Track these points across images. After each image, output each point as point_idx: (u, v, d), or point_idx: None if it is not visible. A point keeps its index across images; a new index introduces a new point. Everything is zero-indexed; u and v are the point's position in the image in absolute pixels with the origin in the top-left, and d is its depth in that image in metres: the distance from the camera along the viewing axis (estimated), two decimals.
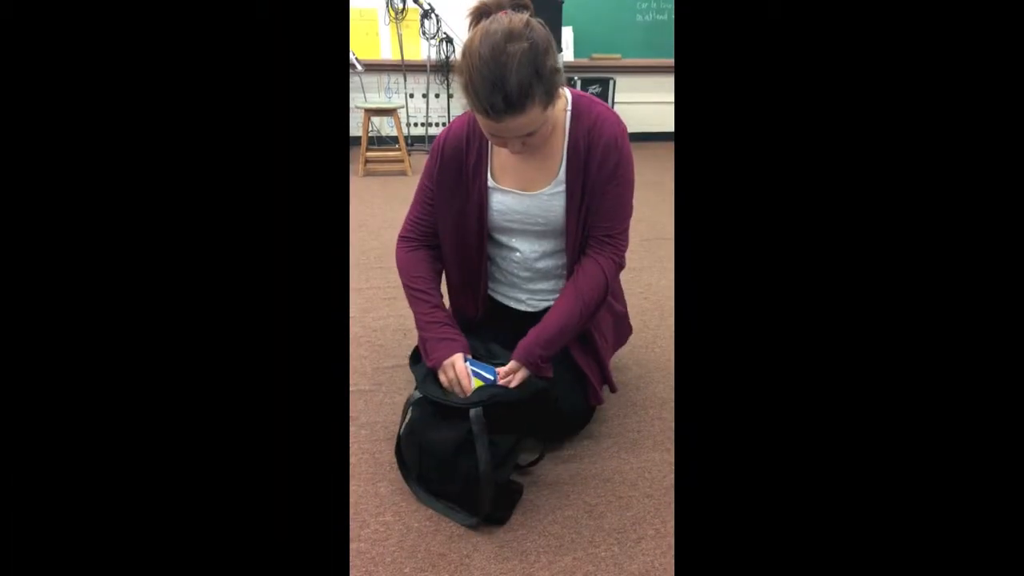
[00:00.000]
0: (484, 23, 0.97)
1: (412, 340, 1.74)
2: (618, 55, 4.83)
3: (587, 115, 1.14)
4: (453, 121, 1.24)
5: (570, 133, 1.15)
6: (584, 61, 4.78)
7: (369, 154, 3.93)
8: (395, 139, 3.91)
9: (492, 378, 1.12)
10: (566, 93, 1.17)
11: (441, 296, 1.26)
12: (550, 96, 0.98)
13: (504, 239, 1.27)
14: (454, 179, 1.22)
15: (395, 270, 1.30)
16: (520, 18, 0.96)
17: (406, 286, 1.26)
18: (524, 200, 1.19)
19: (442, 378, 1.15)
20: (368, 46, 4.58)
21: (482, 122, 0.99)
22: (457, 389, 1.12)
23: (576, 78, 4.55)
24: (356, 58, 4.30)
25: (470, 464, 1.05)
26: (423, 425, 1.13)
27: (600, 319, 1.33)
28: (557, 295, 1.25)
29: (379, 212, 3.08)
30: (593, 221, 1.17)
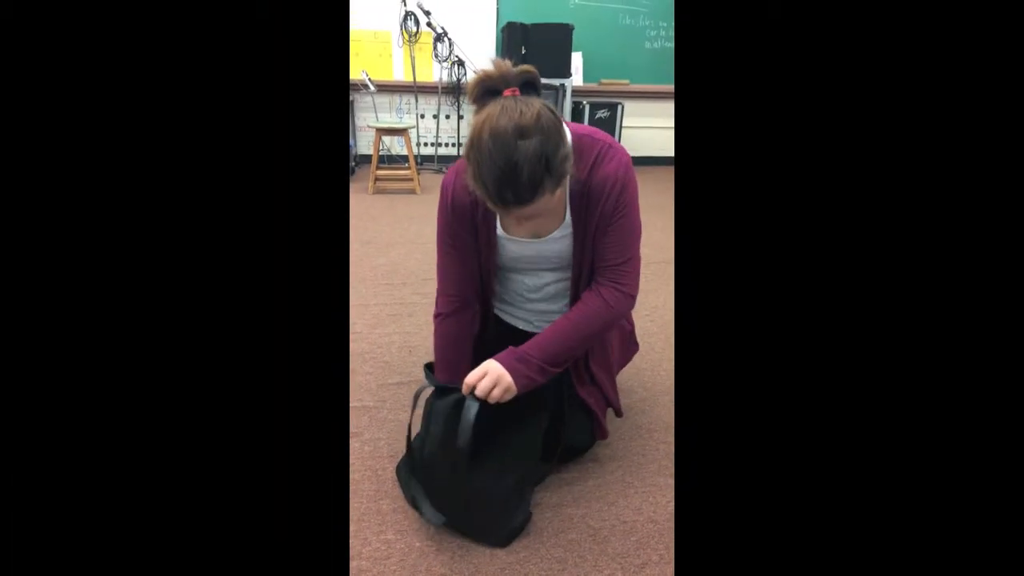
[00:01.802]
0: (491, 110, 0.92)
1: (417, 357, 1.75)
2: (626, 80, 4.90)
3: (588, 153, 1.12)
4: (459, 169, 1.17)
5: (571, 180, 1.13)
6: (593, 86, 4.84)
7: (379, 172, 3.97)
8: (405, 158, 3.96)
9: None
10: (566, 131, 1.15)
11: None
12: (559, 183, 0.96)
13: (512, 275, 1.27)
14: (463, 225, 1.21)
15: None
16: (531, 110, 0.91)
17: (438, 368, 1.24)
18: (535, 246, 1.19)
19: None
20: (381, 67, 4.66)
21: (492, 208, 0.98)
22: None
23: (585, 103, 4.61)
24: (369, 78, 4.38)
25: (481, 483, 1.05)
26: (436, 423, 1.12)
27: (607, 338, 1.33)
28: None
29: (387, 229, 3.10)
30: (599, 255, 1.16)
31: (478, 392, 1.05)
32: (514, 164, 0.89)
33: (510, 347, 1.10)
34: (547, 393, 1.21)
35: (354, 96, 4.66)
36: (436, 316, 1.27)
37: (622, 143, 4.88)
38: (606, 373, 1.32)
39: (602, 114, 4.64)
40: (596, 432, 1.29)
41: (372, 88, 4.41)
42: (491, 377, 1.06)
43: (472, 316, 1.26)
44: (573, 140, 1.13)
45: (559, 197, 1.03)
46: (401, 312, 2.05)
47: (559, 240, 1.17)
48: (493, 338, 1.35)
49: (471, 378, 1.07)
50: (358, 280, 2.33)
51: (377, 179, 3.97)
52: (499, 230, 1.19)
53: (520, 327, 1.36)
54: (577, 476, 1.28)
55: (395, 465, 1.26)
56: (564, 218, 1.16)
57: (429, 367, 1.26)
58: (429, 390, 1.19)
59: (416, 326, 1.97)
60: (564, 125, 0.98)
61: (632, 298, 1.18)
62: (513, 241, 1.19)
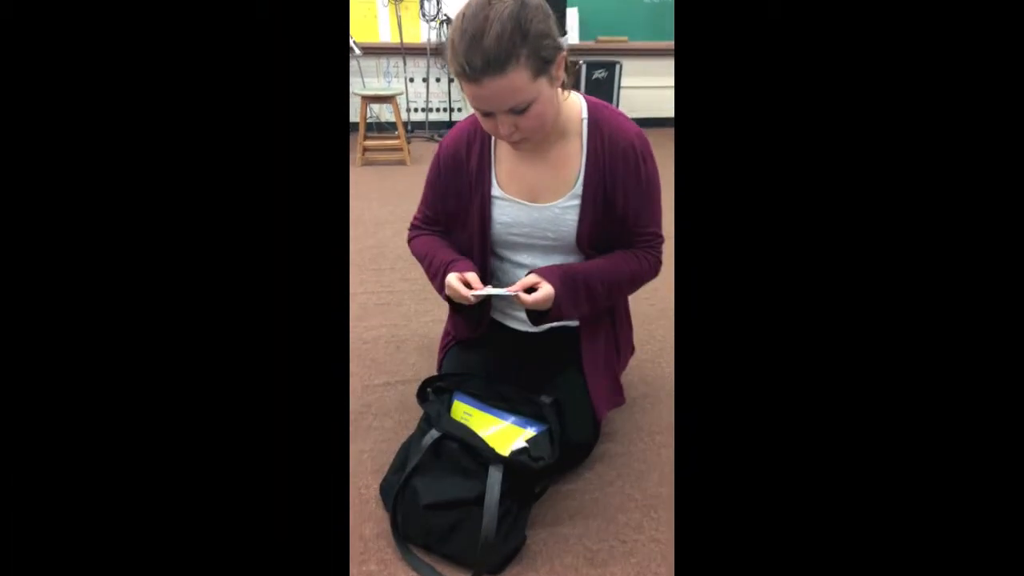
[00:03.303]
0: None
1: (405, 354, 1.65)
2: (625, 37, 4.66)
3: (606, 122, 1.06)
4: (456, 124, 1.15)
5: (588, 141, 1.06)
6: (589, 44, 4.61)
7: (367, 143, 3.80)
8: (395, 125, 3.78)
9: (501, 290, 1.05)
10: (580, 99, 1.08)
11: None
12: (539, 63, 0.88)
13: (507, 253, 1.17)
14: (454, 187, 1.13)
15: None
16: None
17: (424, 260, 1.18)
18: (532, 212, 1.10)
19: (451, 279, 1.06)
20: (366, 29, 4.42)
21: (464, 90, 0.91)
22: (463, 292, 1.04)
23: (582, 62, 4.38)
24: (354, 42, 4.15)
25: (475, 527, 0.96)
26: (430, 474, 1.04)
27: (619, 320, 1.26)
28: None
29: (375, 207, 2.97)
30: (628, 220, 1.09)
31: (527, 300, 1.02)
32: (484, 20, 0.84)
33: (555, 266, 1.08)
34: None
35: None
36: (410, 234, 1.25)
37: (621, 105, 4.66)
38: (613, 339, 1.26)
39: (599, 74, 4.43)
40: (599, 414, 1.20)
41: (357, 52, 4.19)
42: (543, 293, 1.02)
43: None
44: (588, 108, 1.07)
45: (549, 105, 0.94)
46: (389, 301, 1.95)
47: (563, 210, 1.08)
48: (489, 341, 1.26)
49: (528, 280, 1.04)
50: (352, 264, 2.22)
51: (365, 150, 3.81)
52: (493, 188, 1.10)
53: (515, 327, 1.26)
54: (573, 488, 1.20)
55: (380, 483, 1.18)
56: (573, 186, 1.07)
57: (422, 393, 1.17)
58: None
59: (404, 316, 1.87)
60: (554, 19, 0.91)
61: (658, 270, 1.16)
62: (510, 202, 1.10)
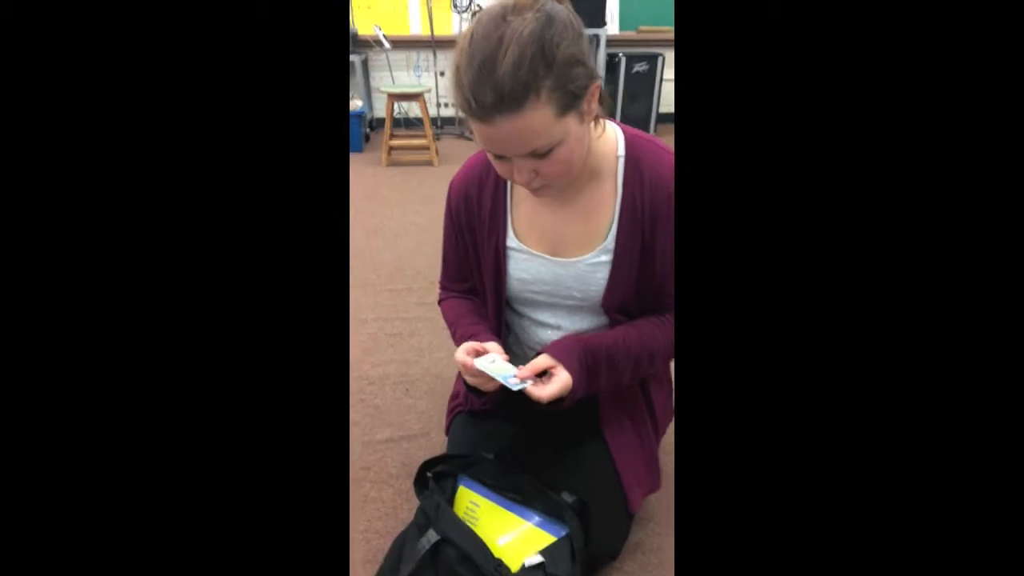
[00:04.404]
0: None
1: (415, 399, 1.48)
2: (669, 27, 4.35)
3: (647, 161, 0.84)
4: (467, 159, 0.95)
5: (625, 184, 0.85)
6: (630, 34, 4.33)
7: (394, 142, 3.63)
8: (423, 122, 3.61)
9: (509, 374, 0.83)
10: (616, 132, 0.86)
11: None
12: (567, 97, 0.68)
13: (526, 311, 0.98)
14: (465, 233, 0.95)
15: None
16: None
17: (450, 329, 1.02)
18: (555, 268, 0.90)
19: (459, 354, 0.86)
20: (396, 21, 4.25)
21: (474, 129, 0.71)
22: (466, 362, 0.84)
23: (621, 55, 4.11)
24: (383, 35, 3.98)
25: None
26: None
27: (656, 380, 1.06)
28: None
29: (397, 213, 2.80)
30: (659, 292, 0.89)
31: (541, 396, 0.81)
32: (497, 43, 0.65)
33: (574, 342, 0.87)
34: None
35: (367, 54, 4.28)
36: (440, 295, 1.08)
37: (662, 101, 4.35)
38: (650, 418, 1.05)
39: (640, 68, 4.14)
40: (629, 509, 1.00)
41: (386, 45, 4.03)
42: (559, 384, 0.82)
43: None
44: (626, 141, 0.85)
45: (577, 146, 0.74)
46: (402, 331, 1.78)
47: (591, 267, 0.88)
48: (504, 407, 1.06)
49: (541, 362, 0.84)
50: (358, 285, 2.06)
51: (391, 149, 3.64)
52: (509, 238, 0.91)
53: None
54: None
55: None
56: (605, 237, 0.86)
57: (420, 481, 0.99)
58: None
59: (416, 351, 1.69)
60: (586, 39, 0.71)
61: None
62: (529, 256, 0.90)
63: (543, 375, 0.84)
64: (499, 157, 0.74)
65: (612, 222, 0.86)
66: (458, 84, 0.67)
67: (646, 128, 4.17)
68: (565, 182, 0.79)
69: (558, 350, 0.85)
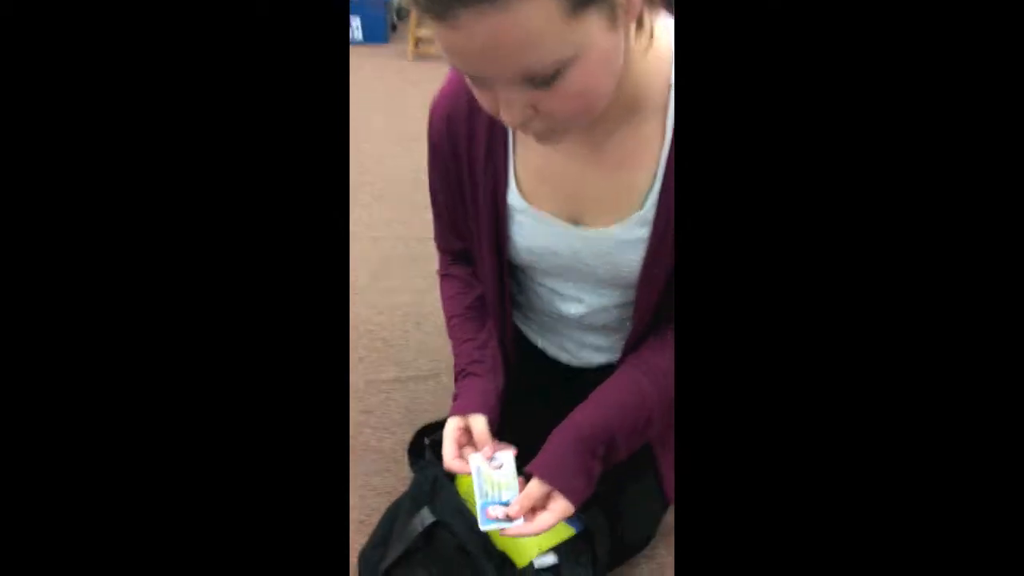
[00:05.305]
0: None
1: (427, 334, 1.34)
2: None
3: None
4: (450, 73, 0.68)
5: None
6: None
7: (422, 31, 3.29)
8: None
9: (495, 500, 0.69)
10: (669, 43, 0.58)
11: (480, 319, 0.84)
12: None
13: (538, 278, 0.78)
14: (455, 187, 0.72)
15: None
16: None
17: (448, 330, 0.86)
18: (573, 239, 0.67)
19: (446, 438, 0.74)
20: None
21: (436, 37, 0.46)
22: (448, 458, 0.72)
23: None
24: None
25: None
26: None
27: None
28: (619, 352, 0.79)
29: (421, 115, 2.53)
30: None
31: (534, 529, 0.65)
32: None
33: (570, 445, 0.67)
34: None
35: None
36: (439, 266, 0.89)
37: None
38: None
39: None
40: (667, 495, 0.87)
41: None
42: (555, 516, 0.65)
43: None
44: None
45: (602, 61, 0.48)
46: (417, 254, 1.61)
47: (622, 242, 0.65)
48: (518, 371, 0.90)
49: (533, 492, 0.66)
50: (372, 197, 1.87)
51: (419, 40, 3.31)
52: (511, 194, 0.67)
53: (551, 353, 0.90)
54: None
55: (361, 547, 0.91)
56: (645, 199, 0.62)
57: (415, 447, 0.85)
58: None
59: (431, 279, 1.50)
60: None
61: None
62: (538, 220, 0.67)
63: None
64: (478, 81, 0.50)
65: (655, 180, 0.61)
66: None
67: None
68: (583, 124, 0.54)
69: (551, 469, 0.66)
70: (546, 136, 0.53)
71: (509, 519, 0.65)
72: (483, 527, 0.66)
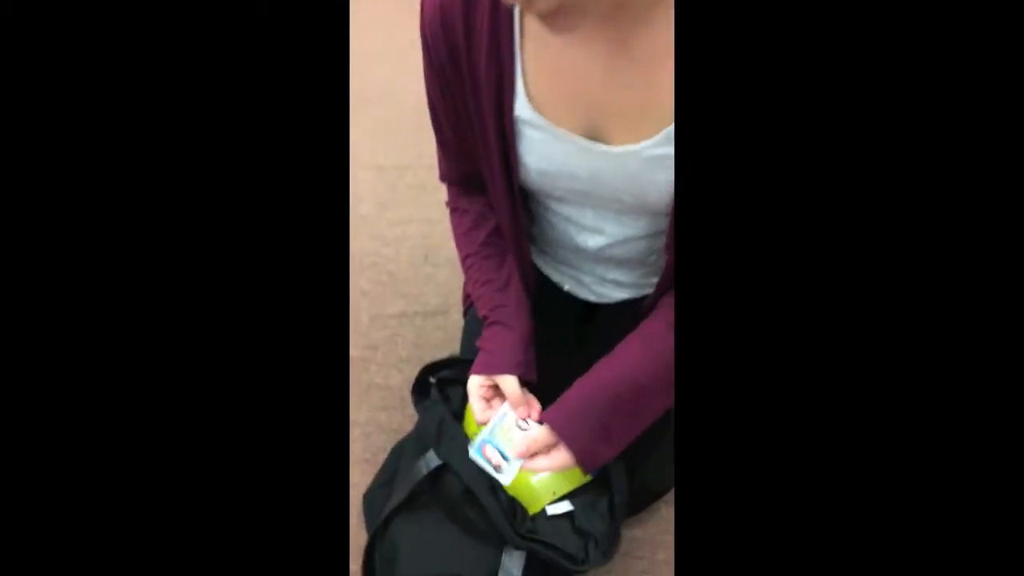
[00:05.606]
0: None
1: (436, 267, 1.27)
2: None
3: None
4: None
5: None
6: None
7: None
8: None
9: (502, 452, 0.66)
10: None
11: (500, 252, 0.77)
12: None
13: (553, 206, 0.70)
14: (450, 84, 0.62)
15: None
16: None
17: (465, 274, 0.81)
18: (592, 159, 0.58)
19: (472, 397, 0.70)
20: None
21: None
22: (479, 414, 0.69)
23: None
24: None
25: None
26: (420, 523, 0.70)
27: None
28: (647, 287, 0.72)
29: None
30: None
31: (535, 466, 0.65)
32: None
33: (590, 399, 0.64)
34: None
35: None
36: (448, 200, 0.81)
37: None
38: None
39: None
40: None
41: None
42: (551, 463, 0.64)
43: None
44: None
45: None
46: (426, 183, 1.52)
47: (653, 162, 0.56)
48: (536, 302, 0.83)
49: (532, 445, 0.64)
50: (377, 124, 1.76)
51: None
52: (519, 103, 0.58)
53: (569, 289, 0.83)
54: None
55: (367, 487, 0.87)
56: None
57: (420, 385, 0.79)
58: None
59: (441, 209, 1.41)
60: None
61: None
62: (552, 136, 0.58)
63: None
64: None
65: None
66: None
67: None
68: (603, 5, 0.45)
69: (561, 421, 0.63)
70: (557, 17, 0.43)
71: (498, 470, 0.66)
72: (472, 455, 0.66)
